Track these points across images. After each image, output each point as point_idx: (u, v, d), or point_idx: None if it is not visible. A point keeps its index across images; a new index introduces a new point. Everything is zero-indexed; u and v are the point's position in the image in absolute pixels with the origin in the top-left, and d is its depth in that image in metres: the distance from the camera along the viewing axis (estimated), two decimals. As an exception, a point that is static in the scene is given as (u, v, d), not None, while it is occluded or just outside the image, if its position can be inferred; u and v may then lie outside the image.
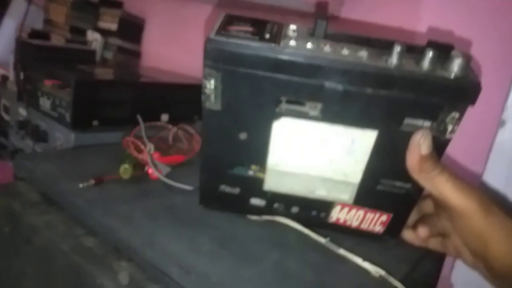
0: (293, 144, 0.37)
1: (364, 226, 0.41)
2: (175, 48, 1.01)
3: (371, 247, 0.40)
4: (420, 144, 0.33)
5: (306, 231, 0.39)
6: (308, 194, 0.40)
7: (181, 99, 0.74)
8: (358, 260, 0.35)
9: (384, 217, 0.40)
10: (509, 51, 0.50)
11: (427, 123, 0.33)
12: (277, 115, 0.35)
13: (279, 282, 0.33)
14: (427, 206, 0.41)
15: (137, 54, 1.07)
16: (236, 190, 0.41)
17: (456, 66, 0.30)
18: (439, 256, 0.47)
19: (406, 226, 0.42)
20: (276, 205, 0.41)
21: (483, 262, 0.34)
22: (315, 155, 0.37)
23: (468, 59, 0.31)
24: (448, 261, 0.53)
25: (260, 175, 0.39)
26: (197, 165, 0.41)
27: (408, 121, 0.33)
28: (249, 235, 0.40)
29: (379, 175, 0.37)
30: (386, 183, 0.38)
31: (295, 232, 0.40)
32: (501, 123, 0.48)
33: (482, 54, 0.52)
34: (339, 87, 0.32)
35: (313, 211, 0.41)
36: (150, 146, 0.50)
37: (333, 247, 0.37)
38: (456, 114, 0.32)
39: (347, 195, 0.39)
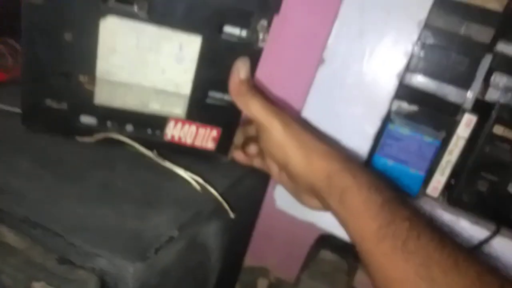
0: (123, 49, 0.37)
1: (197, 143, 0.44)
2: None
3: (204, 167, 0.43)
4: (239, 69, 0.39)
5: (135, 144, 0.39)
6: (142, 109, 0.40)
7: (6, 9, 0.63)
8: (180, 171, 0.38)
9: (214, 132, 0.44)
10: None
11: (243, 32, 0.38)
12: (104, 13, 0.35)
13: (103, 199, 0.34)
14: (251, 130, 0.46)
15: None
16: (64, 105, 0.39)
17: None
18: (265, 175, 0.54)
19: (235, 147, 0.47)
20: (109, 123, 0.41)
21: (286, 171, 0.40)
22: (146, 62, 0.38)
23: None
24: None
25: (89, 87, 0.38)
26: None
27: (227, 28, 0.38)
28: (76, 157, 0.39)
29: (208, 87, 0.41)
30: (214, 96, 0.41)
31: (125, 153, 0.41)
32: (321, 61, 0.55)
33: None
34: None
35: (148, 128, 0.42)
36: (-41, 59, 0.43)
37: (159, 160, 0.39)
38: (264, 22, 0.38)
39: (180, 109, 0.41)
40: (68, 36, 0.35)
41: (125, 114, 0.40)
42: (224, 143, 0.45)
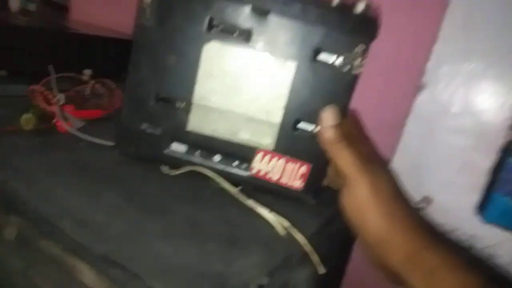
0: (220, 73, 0.37)
1: (284, 180, 0.41)
2: (106, 3, 0.93)
3: (289, 204, 0.39)
4: (323, 120, 0.37)
5: (220, 179, 0.38)
6: (231, 137, 0.39)
7: (107, 54, 0.69)
8: (265, 212, 0.34)
9: (304, 168, 0.40)
10: (428, 17, 0.50)
11: (339, 60, 0.36)
12: (208, 38, 0.36)
13: (187, 236, 0.32)
14: None
15: (64, 8, 0.98)
16: (158, 131, 0.40)
17: (359, 7, 0.35)
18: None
19: None
20: (197, 153, 0.40)
21: (359, 231, 0.35)
22: (240, 87, 0.38)
23: (369, 3, 0.35)
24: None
25: (184, 113, 0.39)
26: (115, 122, 0.38)
27: (322, 56, 0.37)
28: (161, 190, 0.38)
29: (299, 116, 0.38)
30: (304, 127, 0.39)
31: (210, 187, 0.39)
32: (421, 87, 0.49)
33: (403, 21, 0.53)
34: (266, 8, 0.35)
35: (235, 160, 0.40)
36: (60, 97, 0.46)
37: (242, 197, 0.36)
38: (361, 47, 0.36)
39: (269, 139, 0.39)
40: (172, 60, 0.37)
41: (214, 143, 0.40)
42: (313, 182, 0.41)
